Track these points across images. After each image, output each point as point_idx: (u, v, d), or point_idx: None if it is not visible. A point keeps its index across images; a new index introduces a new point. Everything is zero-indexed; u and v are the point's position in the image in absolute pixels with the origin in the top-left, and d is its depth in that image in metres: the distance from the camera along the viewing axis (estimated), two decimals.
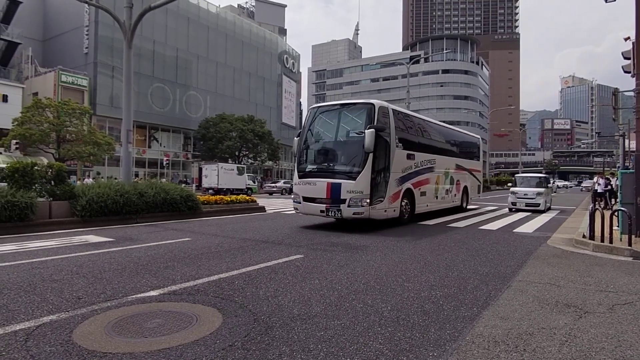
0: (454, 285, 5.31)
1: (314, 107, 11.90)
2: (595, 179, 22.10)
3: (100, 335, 3.40)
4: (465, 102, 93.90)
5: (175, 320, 3.78)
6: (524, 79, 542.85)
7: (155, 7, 11.21)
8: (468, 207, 18.70)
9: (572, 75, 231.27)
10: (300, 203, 11.35)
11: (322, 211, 10.75)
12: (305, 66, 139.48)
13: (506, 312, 4.23)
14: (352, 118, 11.13)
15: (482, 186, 35.78)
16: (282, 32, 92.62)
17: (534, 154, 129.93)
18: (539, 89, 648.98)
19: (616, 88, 20.05)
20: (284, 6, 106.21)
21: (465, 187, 17.54)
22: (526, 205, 17.85)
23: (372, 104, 10.73)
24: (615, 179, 17.38)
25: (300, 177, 11.34)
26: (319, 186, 10.77)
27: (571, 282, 5.58)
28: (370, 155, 10.25)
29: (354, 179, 10.30)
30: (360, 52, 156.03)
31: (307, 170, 11.28)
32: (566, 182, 75.25)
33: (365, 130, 10.21)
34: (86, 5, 39.00)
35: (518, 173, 56.29)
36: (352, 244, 8.40)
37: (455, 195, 16.32)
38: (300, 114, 77.16)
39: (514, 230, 11.31)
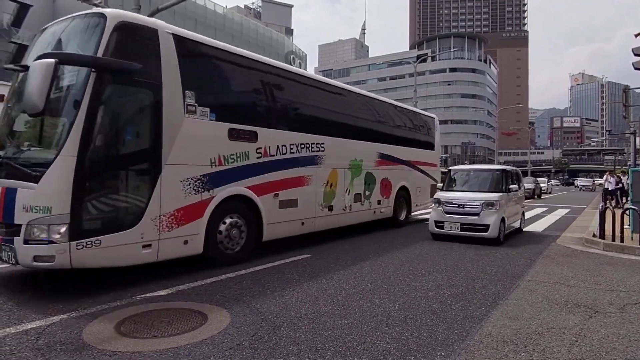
0: (461, 285, 5.28)
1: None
2: (605, 177, 21.76)
3: (109, 334, 3.44)
4: (473, 101, 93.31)
5: (183, 320, 3.80)
6: (533, 77, 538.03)
7: (163, 9, 11.28)
8: (413, 215, 12.54)
9: (581, 73, 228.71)
10: None
11: None
12: (312, 66, 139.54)
13: (515, 312, 4.20)
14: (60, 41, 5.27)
15: None
16: (289, 32, 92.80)
17: (543, 153, 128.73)
18: (548, 86, 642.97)
19: (627, 85, 19.77)
20: (291, 6, 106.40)
21: (404, 190, 11.31)
22: (462, 229, 8.73)
23: (104, 16, 4.86)
24: (626, 177, 17.14)
25: None
26: None
27: (581, 282, 5.52)
28: (66, 125, 4.50)
29: (36, 180, 4.39)
30: (367, 51, 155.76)
31: None
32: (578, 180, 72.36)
33: (32, 63, 4.43)
34: (94, 7, 39.33)
35: (527, 171, 55.51)
36: (359, 243, 8.38)
37: (379, 202, 10.19)
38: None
39: (523, 229, 11.21)
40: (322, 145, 8.14)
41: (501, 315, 4.09)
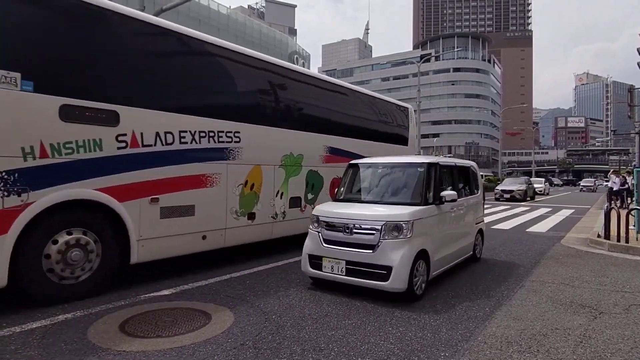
0: (465, 285, 5.26)
1: None
2: (609, 176, 21.62)
3: (114, 334, 3.45)
4: (476, 101, 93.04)
5: (187, 319, 3.81)
6: (537, 77, 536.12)
7: (167, 9, 11.32)
8: None
9: (586, 73, 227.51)
10: None
11: None
12: (315, 66, 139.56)
13: (519, 313, 4.18)
14: None
15: (483, 188, 31.43)
16: (292, 32, 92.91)
17: (547, 153, 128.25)
18: (552, 86, 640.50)
19: (632, 85, 19.66)
20: (294, 6, 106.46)
21: None
22: (349, 272, 4.67)
23: None
24: (632, 177, 17.04)
25: None
26: None
27: (586, 282, 5.49)
28: None
29: None
30: (371, 51, 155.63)
31: None
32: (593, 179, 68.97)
33: None
34: None
35: (531, 172, 55.12)
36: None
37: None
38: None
39: (527, 230, 11.17)
40: (236, 134, 6.05)
41: (505, 316, 4.08)
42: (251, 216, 6.41)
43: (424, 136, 68.95)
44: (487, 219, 13.81)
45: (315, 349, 3.24)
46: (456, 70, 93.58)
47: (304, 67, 71.82)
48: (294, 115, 7.46)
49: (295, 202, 7.29)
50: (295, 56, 69.54)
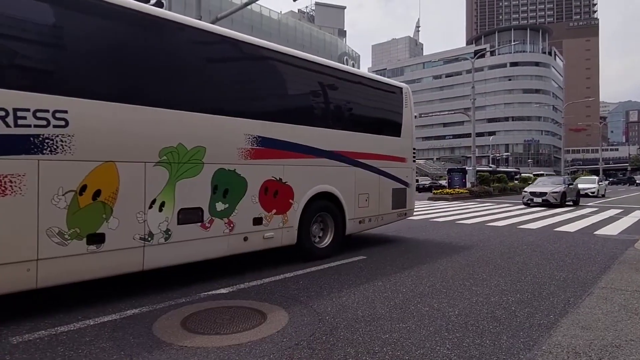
0: (527, 291, 5.01)
1: None
2: None
3: (176, 329, 3.64)
4: (536, 96, 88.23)
5: (244, 318, 3.94)
6: (604, 68, 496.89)
7: (222, 17, 11.78)
8: (359, 234, 8.51)
9: None
10: None
11: None
12: (365, 66, 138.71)
13: (588, 321, 3.91)
14: None
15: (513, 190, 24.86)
16: (342, 33, 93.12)
17: (617, 149, 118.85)
18: (622, 78, 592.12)
19: None
20: (343, 8, 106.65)
21: (325, 200, 6.83)
22: None
23: None
24: None
25: None
26: None
27: None
28: None
29: None
30: (422, 49, 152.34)
31: None
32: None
33: None
34: None
35: (598, 170, 51.33)
36: (416, 246, 8.22)
37: (259, 221, 5.77)
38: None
39: (595, 233, 10.41)
40: (57, 114, 3.93)
41: (572, 325, 3.83)
42: (95, 239, 4.18)
43: (479, 134, 66.38)
44: (547, 222, 13.03)
45: (369, 351, 3.22)
46: (513, 64, 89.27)
47: (353, 68, 71.74)
48: (181, 89, 5.05)
49: (189, 215, 4.91)
50: (345, 57, 69.65)
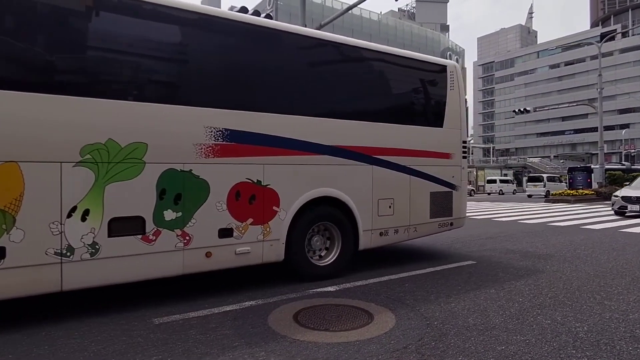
0: None
1: None
2: None
3: (289, 322, 3.85)
4: None
5: (350, 317, 4.02)
6: None
7: (325, 24, 12.15)
8: (380, 247, 6.37)
9: None
10: None
11: None
12: (470, 61, 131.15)
13: None
14: None
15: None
16: (445, 28, 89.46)
17: None
18: None
19: None
20: (446, 2, 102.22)
21: (326, 206, 5.51)
22: None
23: None
24: None
25: None
26: None
27: None
28: None
29: None
30: (535, 37, 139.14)
31: None
32: None
33: None
34: None
35: None
36: (533, 252, 7.54)
37: (230, 233, 4.66)
38: (466, 111, 73.02)
39: None
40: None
41: None
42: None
43: (608, 128, 58.50)
44: None
45: None
46: None
47: (457, 63, 68.38)
48: (107, 72, 4.17)
49: (125, 226, 4.07)
50: (447, 53, 66.88)
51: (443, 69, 6.92)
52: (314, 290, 4.95)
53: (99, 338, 3.48)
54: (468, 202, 24.95)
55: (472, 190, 41.55)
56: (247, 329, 3.69)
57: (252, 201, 4.82)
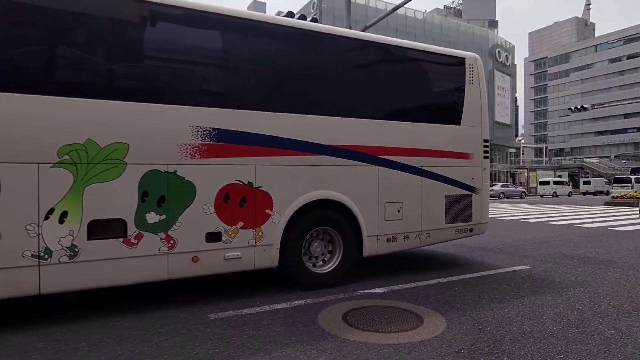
0: None
1: None
2: None
3: (338, 322, 3.90)
4: None
5: (400, 319, 4.01)
6: None
7: (370, 26, 12.11)
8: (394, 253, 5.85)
9: None
10: None
11: None
12: (521, 57, 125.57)
13: None
14: None
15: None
16: (493, 24, 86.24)
17: None
18: None
19: None
20: None
21: (323, 209, 5.18)
22: None
23: None
24: None
25: None
26: None
27: None
28: None
29: None
30: (593, 29, 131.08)
31: None
32: None
33: None
34: None
35: None
36: (592, 258, 7.14)
37: (218, 237, 4.47)
38: (516, 110, 70.02)
39: None
40: None
41: None
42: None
43: None
44: None
45: None
46: None
47: (507, 60, 66.05)
48: (85, 70, 4.08)
49: (105, 228, 3.97)
50: (496, 50, 64.54)
51: (461, 61, 6.37)
52: (362, 291, 4.97)
53: (160, 330, 3.70)
54: (518, 205, 24.02)
55: (523, 192, 39.87)
56: (298, 327, 3.78)
57: (243, 204, 4.58)
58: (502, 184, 42.35)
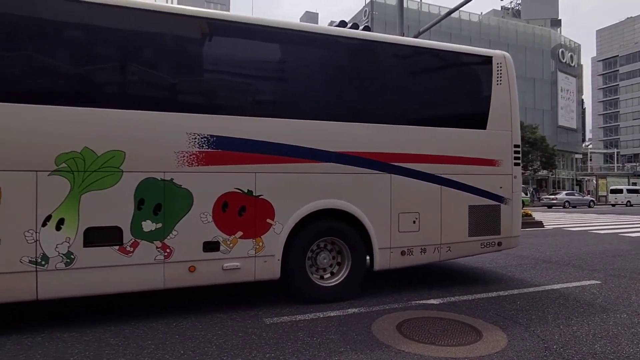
0: None
1: None
2: None
3: (392, 332, 3.85)
4: None
5: (457, 332, 3.88)
6: None
7: (423, 31, 11.95)
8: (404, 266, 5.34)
9: None
10: None
11: None
12: (588, 56, 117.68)
13: None
14: None
15: None
16: (556, 23, 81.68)
17: None
18: None
19: None
20: None
21: (330, 220, 4.90)
22: None
23: None
24: None
25: None
26: None
27: None
28: None
29: None
30: None
31: None
32: None
33: None
34: None
35: None
36: None
37: (215, 246, 4.33)
38: (583, 112, 65.57)
39: None
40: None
41: None
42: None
43: None
44: None
45: None
46: None
47: (572, 60, 62.15)
48: (82, 79, 4.12)
49: (101, 236, 4.00)
50: (559, 50, 61.12)
51: (487, 60, 5.83)
52: (417, 302, 4.87)
53: (219, 332, 3.84)
54: (587, 215, 22.57)
55: (592, 201, 37.17)
56: (352, 336, 3.77)
57: (242, 213, 4.42)
58: (567, 192, 39.77)
